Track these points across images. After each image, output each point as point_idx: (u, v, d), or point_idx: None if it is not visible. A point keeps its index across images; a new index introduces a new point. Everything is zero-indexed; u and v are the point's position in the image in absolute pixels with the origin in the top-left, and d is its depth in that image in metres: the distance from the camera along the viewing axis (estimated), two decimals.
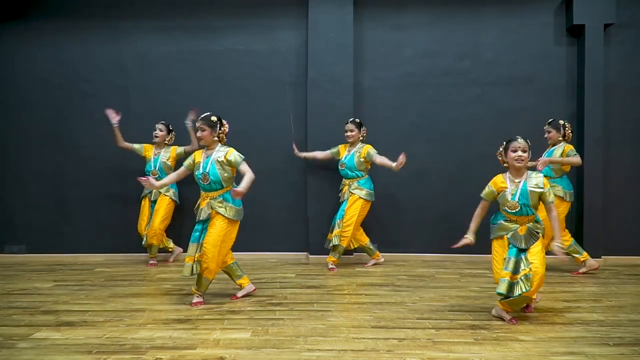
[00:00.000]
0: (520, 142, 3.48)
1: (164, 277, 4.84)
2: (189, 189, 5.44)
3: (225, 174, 3.82)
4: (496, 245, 3.56)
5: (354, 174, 5.20)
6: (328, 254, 5.33)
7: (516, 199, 3.42)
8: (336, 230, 5.14)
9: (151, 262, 5.47)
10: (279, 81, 5.89)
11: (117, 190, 5.82)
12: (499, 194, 3.53)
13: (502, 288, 3.31)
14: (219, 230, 3.78)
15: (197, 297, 3.87)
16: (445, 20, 5.83)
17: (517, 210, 3.44)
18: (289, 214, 5.85)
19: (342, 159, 5.26)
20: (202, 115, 3.87)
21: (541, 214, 3.74)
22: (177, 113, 5.78)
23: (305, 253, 5.80)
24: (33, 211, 5.90)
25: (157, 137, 5.45)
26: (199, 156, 3.90)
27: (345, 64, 5.67)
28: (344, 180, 5.29)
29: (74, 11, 5.88)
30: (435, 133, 5.76)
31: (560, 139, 4.98)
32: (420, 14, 5.85)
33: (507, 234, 3.48)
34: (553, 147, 5.02)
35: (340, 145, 5.38)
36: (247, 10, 5.88)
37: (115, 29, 5.90)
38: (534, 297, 3.60)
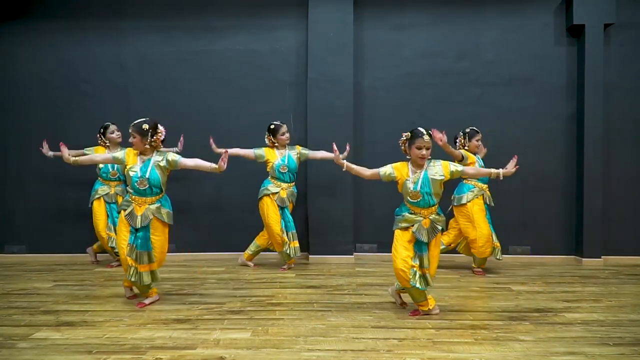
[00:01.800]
0: (425, 140, 3.46)
1: (164, 277, 4.83)
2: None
3: (164, 178, 3.80)
4: (399, 235, 3.56)
5: (294, 176, 5.17)
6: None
7: (418, 187, 3.46)
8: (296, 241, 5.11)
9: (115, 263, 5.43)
10: (279, 81, 5.89)
11: None
12: (398, 181, 3.56)
13: (416, 280, 3.44)
14: (164, 236, 3.83)
15: (131, 292, 4.01)
16: (446, 21, 5.83)
17: (419, 199, 3.47)
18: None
19: (281, 162, 5.08)
20: (135, 122, 3.75)
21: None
22: (177, 113, 5.79)
23: (305, 253, 5.80)
24: (33, 211, 5.89)
25: (114, 139, 5.31)
26: (132, 158, 3.78)
27: (345, 64, 5.68)
28: (278, 183, 5.09)
29: (74, 11, 5.88)
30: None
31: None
32: (420, 14, 5.85)
33: (412, 227, 3.49)
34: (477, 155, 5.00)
35: (264, 148, 5.15)
36: (247, 11, 5.88)
37: (115, 29, 5.90)
38: (431, 307, 3.60)
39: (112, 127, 5.30)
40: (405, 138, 3.54)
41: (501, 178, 3.56)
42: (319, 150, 5.25)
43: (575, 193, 5.77)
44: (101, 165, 5.29)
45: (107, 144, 5.30)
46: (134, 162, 3.77)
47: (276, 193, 5.08)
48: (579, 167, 5.69)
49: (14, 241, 5.93)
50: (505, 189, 5.71)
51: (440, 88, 5.81)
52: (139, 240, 3.74)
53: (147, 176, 3.71)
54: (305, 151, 5.20)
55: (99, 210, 5.32)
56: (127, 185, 3.83)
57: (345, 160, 3.77)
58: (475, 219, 4.87)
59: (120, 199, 5.32)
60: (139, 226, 3.72)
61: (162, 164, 3.76)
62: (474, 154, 4.94)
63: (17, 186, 5.91)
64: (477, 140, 4.92)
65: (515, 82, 5.79)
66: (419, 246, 3.52)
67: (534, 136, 5.77)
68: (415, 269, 3.47)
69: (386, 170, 3.59)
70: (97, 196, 5.34)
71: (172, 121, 5.62)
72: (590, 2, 5.52)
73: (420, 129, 3.48)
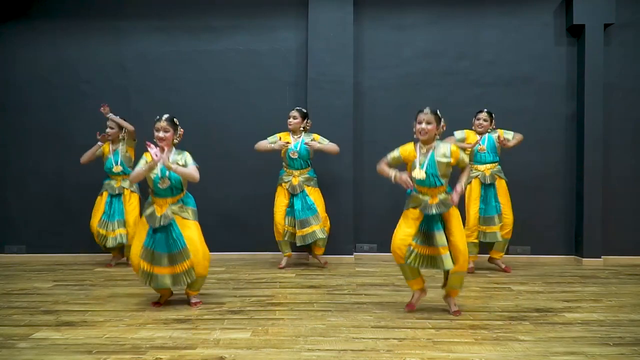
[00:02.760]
0: (425, 113, 3.44)
1: None
2: None
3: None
4: (405, 213, 3.56)
5: (306, 163, 5.18)
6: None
7: (424, 168, 3.41)
8: (315, 226, 5.07)
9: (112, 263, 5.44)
10: (279, 81, 5.89)
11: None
12: (406, 162, 3.52)
13: (412, 259, 3.42)
14: (197, 231, 3.72)
15: (195, 297, 3.85)
16: (445, 21, 5.84)
17: (424, 179, 3.42)
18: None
19: (293, 148, 5.09)
20: (164, 115, 3.67)
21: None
22: (177, 113, 5.69)
23: (305, 253, 5.79)
24: (33, 211, 5.89)
25: (109, 134, 5.32)
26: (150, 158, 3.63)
27: (346, 64, 5.68)
28: (289, 170, 5.13)
29: (74, 11, 5.88)
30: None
31: (493, 127, 5.07)
32: (420, 14, 5.85)
33: (419, 207, 3.45)
34: (488, 134, 5.06)
35: (281, 133, 5.17)
36: (247, 11, 5.88)
37: (115, 29, 5.90)
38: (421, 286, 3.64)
39: (110, 122, 5.33)
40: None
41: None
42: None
43: (575, 193, 5.77)
44: (105, 162, 5.33)
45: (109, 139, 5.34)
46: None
47: (287, 182, 5.13)
48: (579, 167, 5.69)
49: (14, 241, 5.93)
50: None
51: (440, 88, 5.81)
52: (159, 242, 3.62)
53: (167, 175, 3.61)
54: (323, 141, 5.15)
55: (98, 204, 5.33)
56: (149, 187, 3.73)
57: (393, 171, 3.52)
58: (466, 202, 4.97)
59: (127, 193, 5.31)
60: (157, 226, 3.59)
61: (181, 163, 3.66)
62: (479, 133, 5.06)
63: (18, 186, 5.91)
64: (477, 120, 5.07)
65: (515, 82, 5.79)
66: (428, 224, 3.43)
67: (534, 136, 5.76)
68: (413, 247, 3.44)
69: (392, 153, 3.55)
70: (102, 189, 5.36)
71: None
72: (590, 2, 5.52)
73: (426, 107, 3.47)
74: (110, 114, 5.24)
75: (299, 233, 5.11)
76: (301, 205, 5.12)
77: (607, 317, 3.53)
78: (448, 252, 3.40)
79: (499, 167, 5.08)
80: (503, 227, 5.01)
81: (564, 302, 3.93)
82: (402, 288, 4.36)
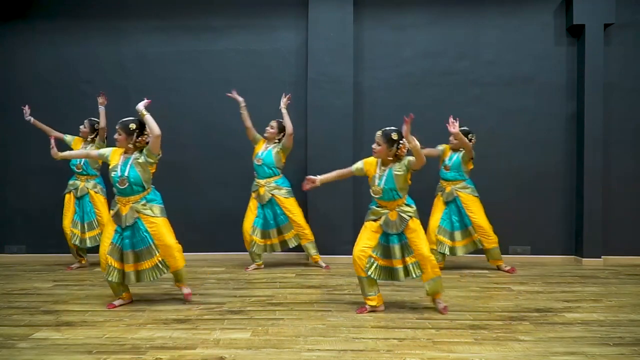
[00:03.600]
0: (377, 135, 3.58)
1: (165, 277, 4.82)
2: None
3: (146, 175, 3.75)
4: (366, 225, 3.71)
5: (272, 171, 5.16)
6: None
7: (382, 184, 3.56)
8: (287, 234, 5.18)
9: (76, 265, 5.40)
10: (279, 81, 5.88)
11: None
12: (367, 175, 3.67)
13: (372, 271, 3.63)
14: (162, 226, 3.76)
15: (186, 288, 3.92)
16: (445, 20, 5.83)
17: (381, 195, 3.58)
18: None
19: (259, 154, 5.14)
20: (123, 120, 3.76)
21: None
22: (177, 113, 5.79)
23: (304, 253, 5.79)
24: (33, 211, 5.89)
25: (81, 132, 5.33)
26: (116, 157, 3.75)
27: (345, 64, 5.68)
28: (257, 180, 5.16)
29: (74, 11, 5.88)
30: (435, 133, 5.74)
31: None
32: (420, 14, 5.85)
33: (379, 220, 3.62)
34: (456, 152, 5.09)
35: (262, 138, 5.25)
36: (247, 10, 5.88)
37: (115, 29, 5.90)
38: (378, 304, 3.69)
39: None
40: None
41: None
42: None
43: (575, 193, 5.77)
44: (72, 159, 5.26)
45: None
46: (116, 162, 3.73)
47: (255, 191, 5.16)
48: (579, 167, 5.69)
49: (14, 241, 5.93)
50: (505, 188, 5.73)
51: (440, 88, 5.81)
52: (126, 240, 3.72)
53: (126, 174, 3.67)
54: (284, 147, 5.15)
55: (68, 204, 5.30)
56: (113, 186, 3.79)
57: (317, 177, 3.71)
58: (432, 210, 5.11)
59: (93, 194, 5.28)
60: (124, 225, 3.70)
61: (141, 160, 3.72)
62: (452, 149, 5.14)
63: (18, 186, 5.91)
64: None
65: (516, 82, 5.78)
66: (386, 238, 3.62)
67: (533, 136, 5.77)
68: (374, 259, 3.62)
69: (357, 165, 3.73)
70: (67, 190, 5.32)
71: (172, 121, 5.63)
72: (590, 2, 5.51)
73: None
74: (102, 107, 5.10)
75: (269, 242, 5.20)
76: (271, 215, 5.14)
77: (607, 317, 3.53)
78: (402, 266, 3.62)
79: (464, 184, 5.07)
80: (483, 239, 5.02)
81: (564, 302, 3.93)
82: (402, 288, 4.36)
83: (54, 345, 2.98)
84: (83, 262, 5.41)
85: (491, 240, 5.02)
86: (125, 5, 5.89)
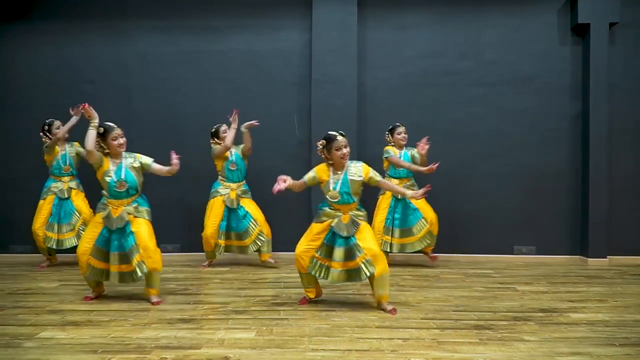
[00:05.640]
0: (342, 140, 3.61)
1: (168, 277, 4.85)
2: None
3: (141, 179, 3.90)
4: (312, 226, 3.79)
5: (243, 176, 5.32)
6: None
7: (337, 188, 3.60)
8: (253, 233, 5.21)
9: (45, 265, 5.43)
10: (281, 82, 5.89)
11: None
12: (321, 182, 3.69)
13: (316, 270, 3.69)
14: (147, 228, 3.87)
15: (155, 297, 3.92)
16: (448, 20, 5.83)
17: (338, 199, 3.63)
18: (292, 214, 5.84)
19: (232, 159, 5.25)
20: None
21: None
22: (178, 113, 5.82)
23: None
24: None
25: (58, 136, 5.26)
26: (107, 163, 3.79)
27: (349, 64, 5.68)
28: (227, 183, 5.26)
29: (75, 12, 5.91)
30: (437, 133, 5.74)
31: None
32: (422, 14, 5.85)
33: (331, 222, 3.66)
34: (405, 150, 5.21)
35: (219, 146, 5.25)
36: (250, 11, 5.89)
37: (117, 29, 5.92)
38: (314, 296, 3.85)
39: (57, 123, 5.27)
40: (321, 146, 3.68)
41: (409, 198, 3.58)
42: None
43: (581, 193, 5.75)
44: (53, 162, 5.26)
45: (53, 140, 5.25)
46: (107, 167, 3.79)
47: (225, 194, 5.23)
48: (584, 167, 5.67)
49: (19, 241, 5.95)
50: (510, 188, 5.72)
51: (442, 88, 5.81)
52: (115, 242, 3.80)
53: (123, 178, 3.77)
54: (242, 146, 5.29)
55: (44, 207, 5.27)
56: (103, 189, 3.85)
57: (288, 178, 3.66)
58: (375, 211, 5.19)
59: (75, 193, 5.32)
60: (115, 228, 3.78)
61: (136, 165, 3.85)
62: (400, 147, 5.21)
63: (22, 186, 5.94)
64: (398, 134, 5.20)
65: (518, 82, 5.77)
66: (333, 239, 3.66)
67: (537, 136, 5.76)
68: (317, 259, 3.71)
69: (309, 175, 3.75)
70: (49, 193, 5.29)
71: (174, 121, 5.66)
72: (595, 1, 5.50)
73: (332, 132, 3.65)
74: (76, 118, 5.10)
75: (240, 244, 5.26)
76: (241, 216, 5.21)
77: (612, 318, 3.52)
78: (339, 268, 3.63)
79: (412, 181, 5.23)
80: (430, 225, 5.12)
81: (569, 303, 3.92)
82: (406, 288, 4.36)
83: (59, 345, 2.99)
84: (53, 260, 5.51)
85: (436, 226, 5.21)
86: (126, 5, 5.91)
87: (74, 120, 5.13)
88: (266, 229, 5.30)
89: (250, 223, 5.23)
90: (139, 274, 3.82)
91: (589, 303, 3.91)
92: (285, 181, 3.60)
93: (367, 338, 3.10)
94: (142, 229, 3.83)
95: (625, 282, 4.66)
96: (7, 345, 3.00)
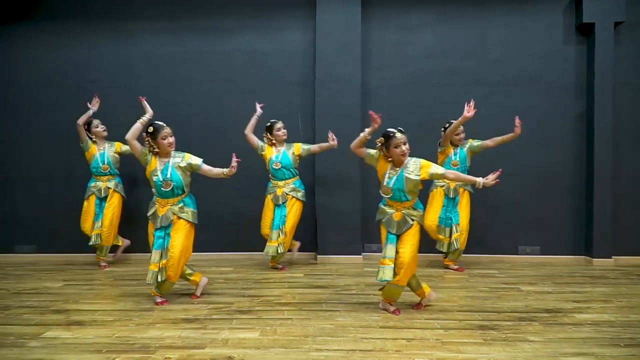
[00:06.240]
0: (400, 137, 3.49)
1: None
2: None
3: (187, 179, 3.91)
4: (382, 229, 3.67)
5: (291, 173, 5.17)
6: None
7: (391, 184, 3.51)
8: (281, 237, 5.01)
9: (104, 264, 5.42)
10: (286, 82, 5.89)
11: (126, 191, 5.84)
12: (377, 170, 3.63)
13: (388, 275, 3.45)
14: (186, 234, 3.84)
15: (160, 297, 3.93)
16: (452, 20, 5.81)
17: (390, 195, 3.54)
18: (342, 218, 5.72)
19: (274, 159, 5.11)
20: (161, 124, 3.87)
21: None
22: (183, 113, 5.82)
23: (313, 253, 5.80)
24: (43, 211, 5.94)
25: (95, 133, 5.34)
26: (154, 162, 3.84)
27: (353, 64, 5.67)
28: (274, 181, 5.15)
29: (80, 12, 5.93)
30: (441, 133, 5.74)
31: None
32: (427, 13, 5.83)
33: (383, 219, 3.60)
34: (461, 147, 5.15)
35: (267, 145, 5.19)
36: (254, 11, 5.89)
37: (121, 29, 5.94)
38: (426, 294, 3.70)
39: (96, 122, 5.34)
40: (380, 144, 3.60)
41: (480, 187, 3.40)
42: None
43: (585, 193, 5.72)
44: (92, 161, 5.32)
45: (94, 139, 5.33)
46: (154, 166, 3.83)
47: (272, 192, 5.14)
48: (589, 167, 5.64)
49: (24, 241, 5.98)
50: (514, 188, 5.69)
51: (446, 88, 5.79)
52: (159, 240, 3.83)
53: (169, 177, 3.78)
54: (306, 146, 5.19)
55: (88, 209, 5.33)
56: (152, 188, 3.92)
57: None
58: (427, 207, 5.07)
59: (111, 193, 5.34)
60: (159, 226, 3.82)
61: (182, 164, 3.85)
62: (456, 146, 5.15)
63: (27, 186, 5.97)
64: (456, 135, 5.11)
65: (523, 82, 5.75)
66: (390, 237, 3.57)
67: (542, 136, 5.73)
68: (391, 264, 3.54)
69: (372, 154, 3.65)
70: (89, 193, 5.36)
71: (179, 122, 5.62)
72: (600, 0, 5.47)
73: (390, 129, 3.56)
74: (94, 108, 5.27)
75: (280, 240, 5.05)
76: (283, 215, 5.10)
77: (617, 318, 3.50)
78: (384, 266, 3.48)
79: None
80: (459, 233, 5.03)
81: (574, 303, 3.90)
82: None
83: (64, 345, 3.00)
84: (120, 244, 5.55)
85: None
86: (131, 6, 5.92)
87: (90, 112, 5.24)
88: (288, 241, 5.10)
89: (282, 227, 5.07)
90: (158, 278, 3.78)
91: (594, 303, 3.89)
92: (375, 122, 3.53)
93: (371, 338, 3.10)
94: (178, 235, 3.81)
95: (631, 283, 4.64)
96: (13, 344, 3.01)
